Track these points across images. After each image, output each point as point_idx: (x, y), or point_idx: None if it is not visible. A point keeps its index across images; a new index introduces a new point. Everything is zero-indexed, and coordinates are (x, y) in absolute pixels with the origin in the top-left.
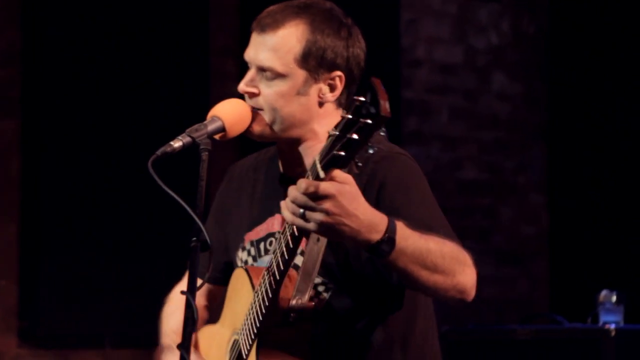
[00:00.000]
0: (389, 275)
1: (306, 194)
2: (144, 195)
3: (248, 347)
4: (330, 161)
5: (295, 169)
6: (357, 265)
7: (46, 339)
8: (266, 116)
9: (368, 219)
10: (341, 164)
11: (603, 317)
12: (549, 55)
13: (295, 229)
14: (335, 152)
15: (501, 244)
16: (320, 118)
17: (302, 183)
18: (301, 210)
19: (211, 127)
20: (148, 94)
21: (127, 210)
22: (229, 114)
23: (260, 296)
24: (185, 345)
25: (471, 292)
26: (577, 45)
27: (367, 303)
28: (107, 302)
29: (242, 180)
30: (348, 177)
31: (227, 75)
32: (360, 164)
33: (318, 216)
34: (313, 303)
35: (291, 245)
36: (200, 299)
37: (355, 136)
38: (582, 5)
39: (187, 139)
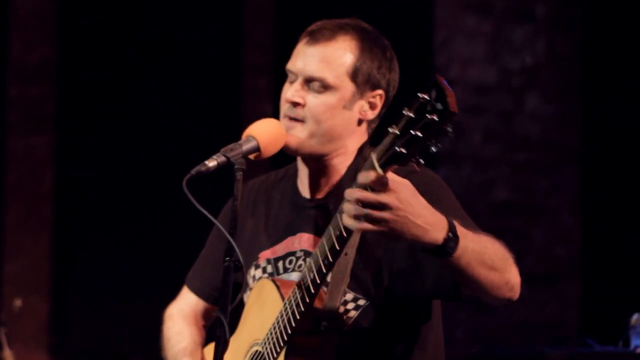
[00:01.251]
0: (421, 289)
1: (371, 185)
2: (177, 211)
3: (275, 356)
4: (390, 158)
5: (315, 188)
6: (389, 279)
7: (76, 355)
8: (307, 128)
9: (432, 217)
10: (402, 161)
11: (634, 341)
12: (584, 75)
13: (343, 230)
14: (396, 148)
15: (533, 265)
16: (355, 135)
17: (369, 176)
18: (365, 211)
19: (246, 147)
20: (181, 111)
21: (160, 226)
22: (263, 133)
23: (292, 305)
24: None
25: (518, 290)
26: (612, 66)
27: (395, 316)
28: (138, 318)
29: (253, 200)
30: (404, 180)
31: (260, 93)
32: (422, 162)
33: (385, 214)
34: (344, 314)
35: (338, 248)
36: (199, 318)
37: (419, 133)
38: (617, 25)
39: (222, 159)
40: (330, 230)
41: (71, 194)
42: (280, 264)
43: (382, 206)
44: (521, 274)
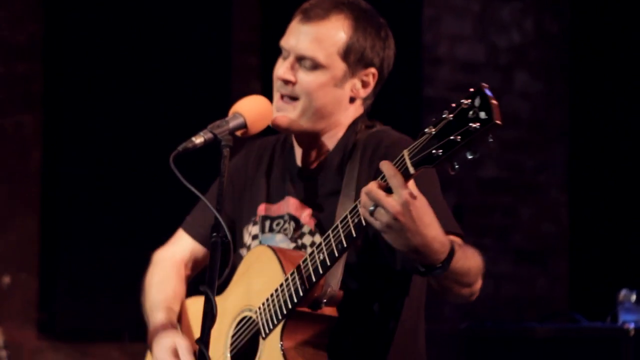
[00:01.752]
0: (393, 262)
1: (383, 188)
2: (164, 189)
3: (270, 327)
4: (424, 158)
5: (309, 157)
6: (369, 246)
7: (65, 332)
8: (299, 106)
9: (434, 244)
10: (436, 162)
11: (622, 317)
12: (572, 53)
13: (363, 220)
14: (432, 150)
15: (521, 242)
16: (348, 112)
17: (390, 169)
18: (371, 207)
19: (233, 124)
20: (169, 88)
21: (147, 203)
22: (250, 110)
23: (297, 282)
24: (204, 340)
25: (476, 295)
26: (600, 44)
27: (374, 288)
28: (126, 295)
29: (260, 158)
30: (422, 196)
31: (249, 71)
32: (457, 167)
33: (384, 217)
34: (342, 291)
35: (354, 235)
36: (182, 267)
37: (458, 138)
38: (605, 3)
39: (209, 135)
40: (348, 217)
41: (59, 171)
42: (267, 222)
43: (390, 201)
44: (510, 251)
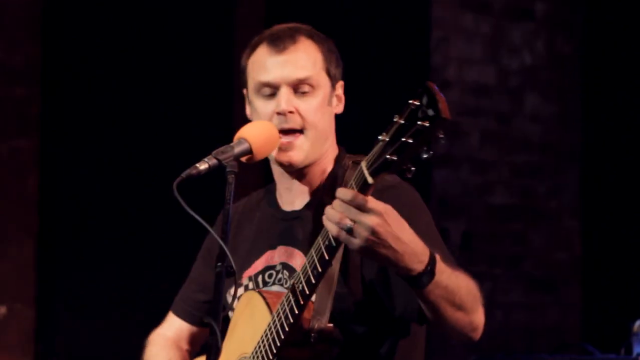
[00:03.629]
0: (392, 308)
1: (353, 204)
2: (165, 216)
3: None
4: (380, 166)
5: (293, 197)
6: (364, 292)
7: None
8: (308, 138)
9: (413, 247)
10: (393, 168)
11: (637, 348)
12: (584, 75)
13: (332, 240)
14: (387, 156)
15: (532, 270)
16: (332, 135)
17: (348, 192)
18: (348, 224)
19: (238, 149)
20: (171, 111)
21: (147, 231)
22: (256, 136)
23: (281, 317)
24: None
25: (480, 332)
26: (613, 65)
27: (373, 332)
28: (125, 326)
29: (237, 222)
30: (388, 205)
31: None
32: (413, 169)
33: (364, 232)
34: (332, 325)
35: (326, 258)
36: (182, 342)
37: (410, 140)
38: (618, 24)
39: (213, 161)
40: (320, 241)
41: (56, 198)
42: (259, 278)
43: (365, 217)
44: (520, 280)
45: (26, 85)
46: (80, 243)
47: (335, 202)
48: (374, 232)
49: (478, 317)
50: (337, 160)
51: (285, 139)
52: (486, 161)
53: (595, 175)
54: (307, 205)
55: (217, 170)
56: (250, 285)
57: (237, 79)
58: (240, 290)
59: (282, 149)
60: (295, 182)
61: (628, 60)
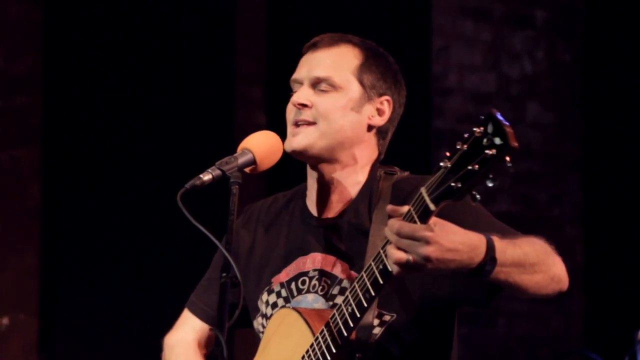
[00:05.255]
0: (452, 293)
1: (403, 236)
2: (167, 226)
3: None
4: (444, 193)
5: (326, 205)
6: (418, 287)
7: None
8: (318, 129)
9: (468, 248)
10: (457, 196)
11: None
12: (585, 83)
13: (388, 265)
14: (451, 183)
15: None
16: (363, 145)
17: (395, 225)
18: (410, 244)
19: (242, 160)
20: (172, 121)
21: (152, 240)
22: (259, 146)
23: (327, 339)
24: None
25: (566, 280)
26: (613, 73)
27: (418, 332)
28: (129, 335)
29: (263, 224)
30: (436, 219)
31: (253, 103)
32: (478, 197)
33: (422, 262)
34: (374, 340)
35: (381, 282)
36: (200, 347)
37: (476, 167)
38: (619, 32)
39: (217, 172)
40: (372, 265)
41: (58, 207)
42: (292, 285)
43: (419, 247)
44: None
45: (27, 94)
46: (82, 252)
47: (389, 234)
48: (430, 259)
49: (558, 268)
50: (372, 171)
51: (293, 128)
52: None
53: (596, 183)
54: (342, 214)
55: (221, 181)
56: (284, 292)
57: (238, 87)
58: (272, 297)
59: (289, 136)
60: (329, 191)
61: (628, 68)
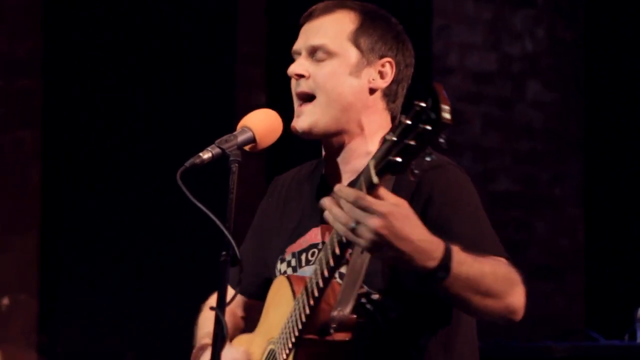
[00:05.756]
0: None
1: (356, 205)
2: (169, 206)
3: (284, 357)
4: (385, 167)
5: (337, 176)
6: (402, 275)
7: (67, 355)
8: (318, 104)
9: (423, 245)
10: (397, 170)
11: None
12: (586, 62)
13: (344, 237)
14: (391, 157)
15: (535, 257)
16: (369, 111)
17: (352, 193)
18: (352, 224)
19: (241, 138)
20: (173, 102)
21: (152, 221)
22: (259, 124)
23: (301, 305)
24: None
25: (521, 313)
26: (615, 51)
27: (410, 315)
28: (129, 318)
29: (286, 194)
30: (401, 200)
31: (253, 83)
32: (416, 172)
33: (367, 234)
34: (355, 316)
35: (337, 252)
36: (237, 310)
37: (412, 142)
38: (620, 10)
39: (217, 150)
40: (333, 235)
41: (59, 189)
42: (303, 256)
43: (362, 223)
44: (524, 267)
45: (28, 76)
46: (83, 234)
47: (341, 201)
48: (377, 233)
49: (515, 300)
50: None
51: (297, 105)
52: (489, 148)
53: (598, 162)
54: (351, 184)
55: (221, 160)
56: (293, 262)
57: (240, 68)
58: (284, 266)
59: (295, 117)
60: (340, 162)
61: (630, 46)
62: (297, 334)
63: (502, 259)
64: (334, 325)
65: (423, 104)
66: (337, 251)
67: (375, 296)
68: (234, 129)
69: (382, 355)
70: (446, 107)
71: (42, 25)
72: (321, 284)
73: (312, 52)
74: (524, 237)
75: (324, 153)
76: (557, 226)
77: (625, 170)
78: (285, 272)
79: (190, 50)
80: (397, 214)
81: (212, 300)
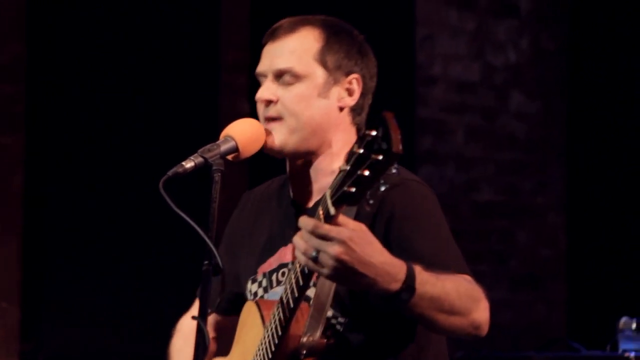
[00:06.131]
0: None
1: (315, 234)
2: (151, 214)
3: None
4: (340, 197)
5: (305, 195)
6: (370, 297)
7: None
8: (286, 125)
9: (385, 268)
10: (352, 200)
11: (623, 345)
12: (569, 72)
13: (305, 267)
14: (345, 188)
15: (517, 267)
16: (338, 128)
17: (310, 223)
18: (313, 253)
19: (224, 147)
20: (157, 109)
21: (133, 228)
22: (242, 133)
23: (270, 332)
24: None
25: (485, 327)
26: (598, 62)
27: (379, 336)
28: (112, 323)
29: (256, 209)
30: (360, 225)
31: (237, 91)
32: (371, 202)
33: (329, 261)
34: (325, 340)
35: (301, 283)
36: (208, 329)
37: (366, 172)
38: (604, 20)
39: (199, 160)
40: (296, 265)
41: (42, 195)
42: (274, 277)
43: (324, 252)
44: (506, 277)
45: (11, 82)
46: (66, 240)
47: (302, 231)
48: (338, 260)
49: (479, 315)
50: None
51: (266, 125)
52: (471, 158)
53: (580, 172)
54: (317, 204)
55: (203, 169)
56: (264, 283)
57: (223, 76)
58: (255, 287)
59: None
60: (306, 180)
61: (613, 57)
62: (269, 358)
63: (465, 276)
64: (304, 352)
65: (374, 133)
66: (301, 282)
67: (343, 319)
68: (218, 137)
69: None
70: (397, 137)
71: (26, 30)
72: (287, 313)
73: (279, 75)
74: (506, 247)
75: (288, 170)
76: (540, 235)
77: (607, 179)
78: (255, 292)
79: (173, 57)
80: (356, 239)
81: (183, 324)
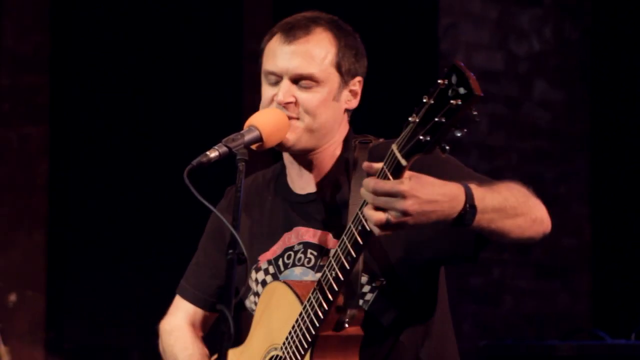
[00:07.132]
0: (439, 252)
1: (379, 194)
2: (176, 203)
3: (299, 358)
4: (414, 147)
5: (305, 182)
6: (402, 251)
7: (73, 351)
8: (303, 124)
9: (447, 198)
10: (427, 149)
11: None
12: (593, 61)
13: (366, 224)
14: (421, 137)
15: (541, 257)
16: (341, 126)
17: (371, 182)
18: (388, 202)
19: (248, 137)
20: (180, 99)
21: (159, 219)
22: (266, 123)
23: (314, 306)
24: None
25: (549, 222)
26: (621, 50)
27: (403, 297)
28: (135, 313)
29: (245, 200)
30: (410, 172)
31: (261, 82)
32: (447, 147)
33: (402, 218)
34: (363, 309)
35: (360, 242)
36: (195, 330)
37: (443, 119)
38: (626, 10)
39: (224, 149)
40: (351, 226)
41: (66, 185)
42: (280, 261)
43: (400, 195)
44: (530, 266)
45: (35, 73)
46: (90, 230)
47: (366, 194)
48: (408, 213)
49: (539, 211)
50: (346, 142)
51: None
52: (495, 147)
53: (604, 161)
54: (320, 188)
55: (227, 159)
56: (271, 269)
57: (247, 66)
58: (261, 275)
59: None
60: (308, 168)
61: (636, 45)
62: (313, 332)
63: (514, 182)
64: (347, 319)
65: (446, 82)
66: (360, 241)
67: (378, 283)
68: (241, 128)
69: (378, 341)
70: (474, 81)
71: (49, 21)
72: (342, 278)
73: (297, 79)
74: None
75: (287, 160)
76: (563, 225)
77: (631, 169)
78: (263, 280)
79: (197, 48)
80: (416, 186)
81: (169, 325)
